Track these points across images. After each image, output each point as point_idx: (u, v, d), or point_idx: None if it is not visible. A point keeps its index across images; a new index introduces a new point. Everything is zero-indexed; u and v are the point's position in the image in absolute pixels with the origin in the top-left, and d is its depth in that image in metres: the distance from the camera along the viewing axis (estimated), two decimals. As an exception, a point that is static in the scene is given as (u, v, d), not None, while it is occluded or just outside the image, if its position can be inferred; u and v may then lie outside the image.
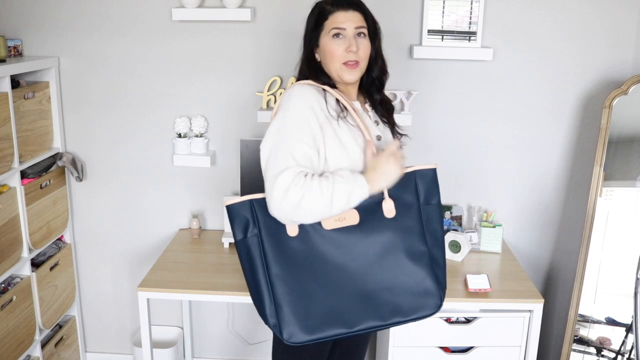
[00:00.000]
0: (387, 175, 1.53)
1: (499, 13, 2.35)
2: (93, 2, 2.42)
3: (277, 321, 1.55)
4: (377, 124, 1.71)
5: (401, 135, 1.80)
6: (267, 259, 1.55)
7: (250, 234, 1.55)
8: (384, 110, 1.76)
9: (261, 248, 1.55)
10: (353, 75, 1.61)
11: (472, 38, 2.34)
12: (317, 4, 1.66)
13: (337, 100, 1.61)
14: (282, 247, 1.53)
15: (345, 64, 1.60)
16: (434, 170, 1.60)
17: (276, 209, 1.48)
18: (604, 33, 2.35)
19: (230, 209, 1.55)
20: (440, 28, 2.34)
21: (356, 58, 1.59)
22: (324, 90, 1.61)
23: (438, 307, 1.59)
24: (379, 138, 1.66)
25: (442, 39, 2.35)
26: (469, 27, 2.33)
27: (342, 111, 1.59)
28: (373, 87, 1.73)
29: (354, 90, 1.70)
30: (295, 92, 1.56)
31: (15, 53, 2.41)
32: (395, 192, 1.56)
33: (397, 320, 1.58)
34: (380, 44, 1.70)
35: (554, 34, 2.36)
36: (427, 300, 1.58)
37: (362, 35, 1.61)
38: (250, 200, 1.55)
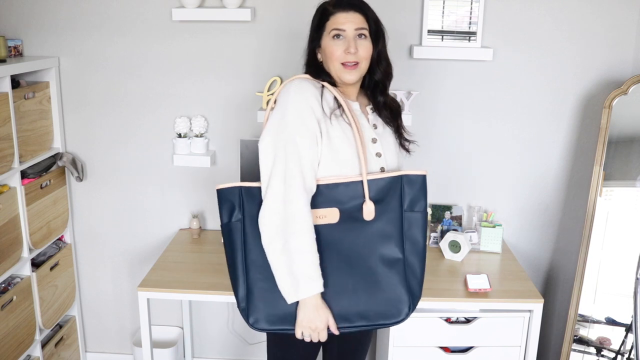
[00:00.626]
0: (307, 318, 1.52)
1: (499, 13, 2.35)
2: (93, 2, 2.42)
3: (246, 305, 1.59)
4: (375, 127, 1.69)
5: (408, 141, 1.77)
6: (246, 245, 1.59)
7: (235, 219, 1.60)
8: (388, 113, 1.73)
9: (243, 233, 1.60)
10: (352, 76, 1.61)
11: (472, 38, 2.34)
12: (321, 5, 1.67)
13: (335, 98, 1.61)
14: None
15: (343, 64, 1.59)
16: (424, 177, 1.58)
17: (264, 222, 1.53)
18: (604, 33, 2.35)
19: (220, 192, 1.61)
20: (440, 28, 2.34)
21: (355, 59, 1.59)
22: (322, 86, 1.61)
23: (406, 315, 1.58)
24: (374, 141, 1.65)
25: (442, 39, 2.35)
26: (469, 27, 2.33)
27: (336, 109, 1.59)
28: (376, 89, 1.71)
29: (354, 91, 1.69)
30: (293, 88, 1.57)
31: (16, 53, 2.41)
32: (378, 195, 1.56)
33: (363, 324, 1.58)
34: (384, 46, 1.68)
35: (554, 34, 2.36)
36: (396, 308, 1.57)
37: (362, 36, 1.61)
38: (240, 187, 1.60)
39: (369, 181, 1.56)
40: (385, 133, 1.71)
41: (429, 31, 2.35)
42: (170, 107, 2.52)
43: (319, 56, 1.67)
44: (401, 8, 2.37)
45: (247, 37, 2.42)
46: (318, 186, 1.57)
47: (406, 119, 2.38)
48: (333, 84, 1.64)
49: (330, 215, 1.57)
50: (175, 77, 2.49)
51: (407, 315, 1.58)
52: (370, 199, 1.56)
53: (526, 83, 2.42)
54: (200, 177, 2.59)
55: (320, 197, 1.57)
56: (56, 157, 2.50)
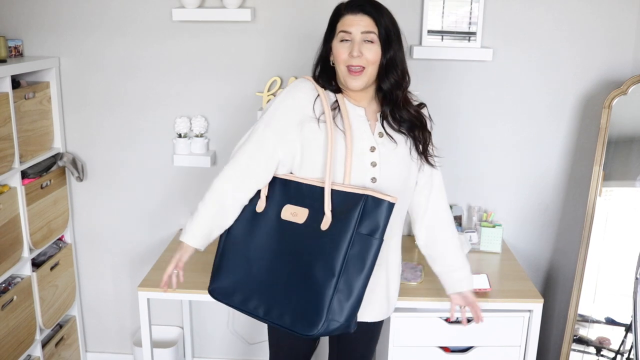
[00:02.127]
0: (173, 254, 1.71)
1: (499, 13, 2.35)
2: (93, 2, 2.42)
3: (212, 274, 1.75)
4: (381, 136, 1.64)
5: (430, 155, 1.71)
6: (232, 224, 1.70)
7: None
8: (405, 124, 1.66)
9: None
10: (357, 82, 1.58)
11: (471, 38, 2.34)
12: (336, 6, 1.64)
13: (336, 101, 1.61)
14: (246, 218, 1.69)
15: (348, 69, 1.57)
16: (390, 203, 1.53)
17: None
18: (604, 33, 2.35)
19: None
20: (440, 28, 2.34)
21: (359, 63, 1.55)
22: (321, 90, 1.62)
23: (317, 332, 1.54)
24: (372, 149, 1.62)
25: (442, 39, 2.35)
26: (469, 28, 2.33)
27: (322, 114, 1.60)
28: (386, 98, 1.65)
29: (365, 95, 1.65)
30: (290, 86, 1.66)
31: (16, 53, 2.41)
32: (338, 207, 1.56)
33: (280, 324, 1.60)
34: (398, 53, 1.61)
35: (554, 34, 2.37)
36: (310, 322, 1.54)
37: (370, 41, 1.57)
38: None
39: (333, 191, 1.56)
40: (392, 143, 1.65)
41: (428, 31, 2.35)
42: (171, 107, 2.52)
43: (332, 58, 1.64)
44: (401, 8, 2.36)
45: (247, 37, 2.42)
46: (301, 185, 1.61)
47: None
48: (337, 89, 1.64)
49: (300, 215, 1.60)
50: (175, 77, 2.49)
51: (318, 333, 1.54)
52: (332, 209, 1.56)
53: (526, 83, 2.42)
54: (200, 177, 2.59)
55: (300, 195, 1.61)
56: (56, 157, 2.50)
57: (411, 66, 2.39)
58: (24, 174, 2.30)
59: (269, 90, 2.41)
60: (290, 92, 1.63)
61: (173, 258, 1.69)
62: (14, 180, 2.24)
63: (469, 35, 2.34)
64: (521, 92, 2.44)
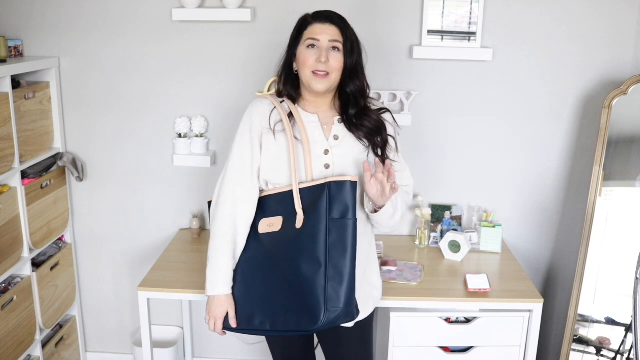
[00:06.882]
0: (208, 308, 1.72)
1: (499, 13, 2.35)
2: (93, 2, 2.42)
3: None
4: (336, 139, 1.70)
5: (387, 158, 1.74)
6: None
7: None
8: (364, 129, 1.71)
9: None
10: (321, 85, 1.66)
11: (471, 38, 2.34)
12: (302, 16, 1.72)
13: (290, 114, 1.70)
14: None
15: (314, 73, 1.65)
16: (352, 183, 1.60)
17: (212, 208, 1.76)
18: (604, 33, 2.35)
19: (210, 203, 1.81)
20: (440, 28, 2.34)
21: (325, 69, 1.64)
22: (274, 106, 1.72)
23: (322, 324, 1.58)
24: (326, 152, 1.68)
25: (442, 39, 2.35)
26: (469, 28, 2.33)
27: (277, 123, 1.69)
28: (348, 103, 1.72)
29: (323, 101, 1.73)
30: (249, 108, 1.76)
31: (16, 53, 2.41)
32: (307, 203, 1.63)
33: (286, 330, 1.64)
34: (359, 62, 1.71)
35: (554, 34, 2.37)
36: (312, 315, 1.58)
37: (336, 49, 1.66)
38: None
39: (300, 190, 1.64)
40: (348, 145, 1.71)
41: (429, 31, 2.35)
42: (170, 107, 2.52)
43: (295, 65, 1.72)
44: (401, 8, 2.37)
45: (247, 37, 2.42)
46: (270, 197, 1.69)
47: (406, 119, 2.39)
48: (294, 96, 1.72)
49: (276, 224, 1.68)
50: (175, 77, 2.49)
51: (322, 324, 1.58)
52: (302, 207, 1.63)
53: (526, 83, 2.42)
54: (200, 177, 2.59)
55: (272, 206, 1.69)
56: (56, 157, 2.50)
57: (411, 66, 2.42)
58: (24, 174, 2.30)
59: (269, 91, 2.41)
60: (248, 114, 1.74)
61: (213, 323, 1.71)
62: (14, 180, 2.24)
63: (469, 35, 2.34)
64: (521, 92, 2.44)
